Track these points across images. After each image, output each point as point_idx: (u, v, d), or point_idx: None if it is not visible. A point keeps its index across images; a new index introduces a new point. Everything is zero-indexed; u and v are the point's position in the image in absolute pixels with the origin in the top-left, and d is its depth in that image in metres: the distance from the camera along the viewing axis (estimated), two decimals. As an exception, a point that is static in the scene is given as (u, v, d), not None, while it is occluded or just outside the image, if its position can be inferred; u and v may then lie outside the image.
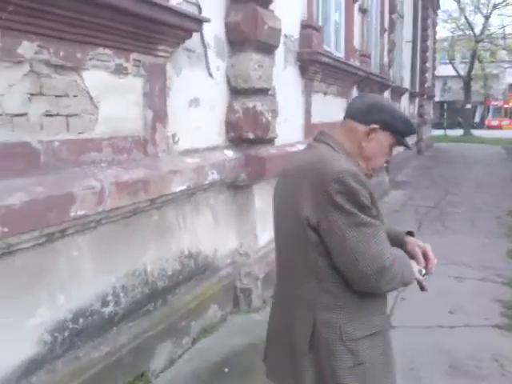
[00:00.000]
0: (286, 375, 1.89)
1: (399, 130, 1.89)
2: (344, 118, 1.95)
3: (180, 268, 3.93)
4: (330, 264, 1.74)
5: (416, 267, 1.92)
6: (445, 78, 39.43)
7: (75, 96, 2.97)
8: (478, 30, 34.96)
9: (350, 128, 1.89)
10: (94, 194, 2.90)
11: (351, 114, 1.91)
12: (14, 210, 2.40)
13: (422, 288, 1.96)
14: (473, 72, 35.95)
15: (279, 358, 1.95)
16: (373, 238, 1.67)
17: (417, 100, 19.06)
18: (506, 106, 49.35)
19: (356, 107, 1.91)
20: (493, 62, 40.12)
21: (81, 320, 2.95)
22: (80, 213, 2.80)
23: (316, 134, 1.98)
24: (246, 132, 4.77)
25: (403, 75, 15.18)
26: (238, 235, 4.86)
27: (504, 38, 36.17)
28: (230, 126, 4.77)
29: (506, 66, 41.04)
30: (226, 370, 3.68)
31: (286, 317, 1.90)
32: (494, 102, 49.47)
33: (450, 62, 38.06)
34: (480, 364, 3.75)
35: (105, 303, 3.14)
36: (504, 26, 35.78)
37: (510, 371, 3.64)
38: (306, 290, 1.80)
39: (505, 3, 33.22)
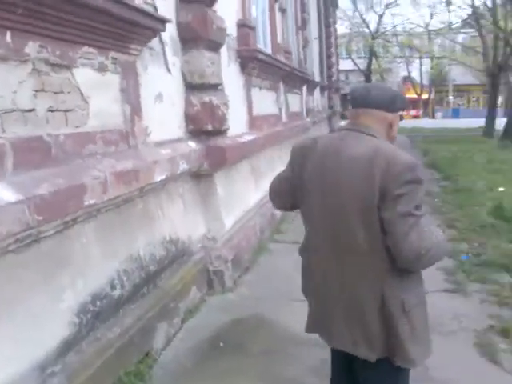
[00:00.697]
0: (358, 341, 2.17)
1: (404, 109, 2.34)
2: (363, 107, 2.19)
3: (165, 253, 4.14)
4: None
5: None
6: (346, 72, 41.31)
7: (69, 92, 3.13)
8: (373, 28, 37.17)
9: (379, 117, 2.16)
10: (100, 184, 3.08)
11: (377, 104, 2.16)
12: (45, 199, 2.56)
13: None
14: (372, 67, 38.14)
15: (344, 327, 2.20)
16: (415, 227, 1.96)
17: (326, 93, 19.91)
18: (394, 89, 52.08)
19: (381, 99, 2.17)
20: (387, 57, 42.33)
21: (98, 303, 3.12)
22: (91, 201, 2.98)
23: (349, 120, 2.25)
24: (206, 124, 5.03)
25: (314, 70, 15.87)
26: (205, 221, 5.11)
27: (396, 35, 38.23)
28: (190, 119, 5.01)
29: (399, 61, 43.45)
30: (222, 344, 3.92)
31: (345, 290, 2.16)
32: (391, 95, 52.14)
33: (350, 57, 39.96)
34: (444, 322, 4.14)
35: (113, 286, 3.32)
36: (395, 26, 37.93)
37: (469, 326, 4.09)
38: (372, 266, 2.08)
39: (395, 3, 35.66)
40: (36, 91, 2.84)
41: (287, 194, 2.39)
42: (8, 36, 2.62)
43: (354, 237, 2.06)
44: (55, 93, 3.01)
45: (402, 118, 2.38)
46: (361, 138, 2.12)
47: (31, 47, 2.78)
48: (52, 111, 2.95)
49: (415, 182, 1.98)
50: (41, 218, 2.52)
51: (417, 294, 2.16)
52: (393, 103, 2.19)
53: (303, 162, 2.24)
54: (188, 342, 3.95)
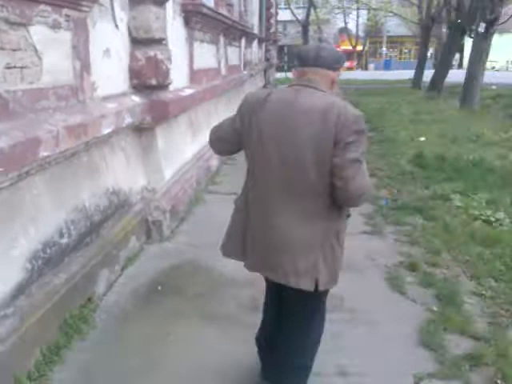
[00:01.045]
0: (301, 273, 2.44)
1: None
2: (311, 66, 2.46)
3: (108, 204, 4.37)
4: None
5: None
6: (284, 23, 41.20)
7: (25, 50, 3.27)
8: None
9: (325, 75, 2.47)
10: (54, 138, 3.28)
11: (324, 64, 2.45)
12: (4, 152, 2.76)
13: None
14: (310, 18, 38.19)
15: (290, 264, 2.44)
16: (360, 171, 2.31)
17: (263, 45, 19.95)
18: (338, 49, 52.64)
19: (327, 59, 2.46)
20: (325, 8, 42.42)
21: (48, 250, 3.36)
22: (45, 154, 3.18)
23: (297, 78, 2.51)
24: (149, 79, 5.21)
25: (253, 22, 15.86)
26: (146, 174, 5.33)
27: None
28: (134, 73, 5.17)
29: (337, 11, 43.65)
30: (159, 287, 4.24)
31: (291, 226, 2.42)
32: (326, 46, 52.50)
33: (289, 8, 39.83)
34: (359, 260, 4.67)
35: (61, 235, 3.55)
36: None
37: (381, 263, 4.66)
38: (317, 206, 2.41)
39: None
40: (-5, 49, 2.98)
41: (233, 142, 2.63)
42: (-30, -5, 2.74)
43: (307, 179, 2.33)
44: (13, 50, 3.14)
45: None
46: (313, 93, 2.39)
47: (-9, 5, 2.91)
48: (9, 68, 3.10)
49: (361, 132, 2.31)
50: (1, 169, 2.73)
51: (343, 223, 2.55)
52: (336, 62, 2.51)
53: (253, 114, 2.44)
54: (128, 287, 4.23)
